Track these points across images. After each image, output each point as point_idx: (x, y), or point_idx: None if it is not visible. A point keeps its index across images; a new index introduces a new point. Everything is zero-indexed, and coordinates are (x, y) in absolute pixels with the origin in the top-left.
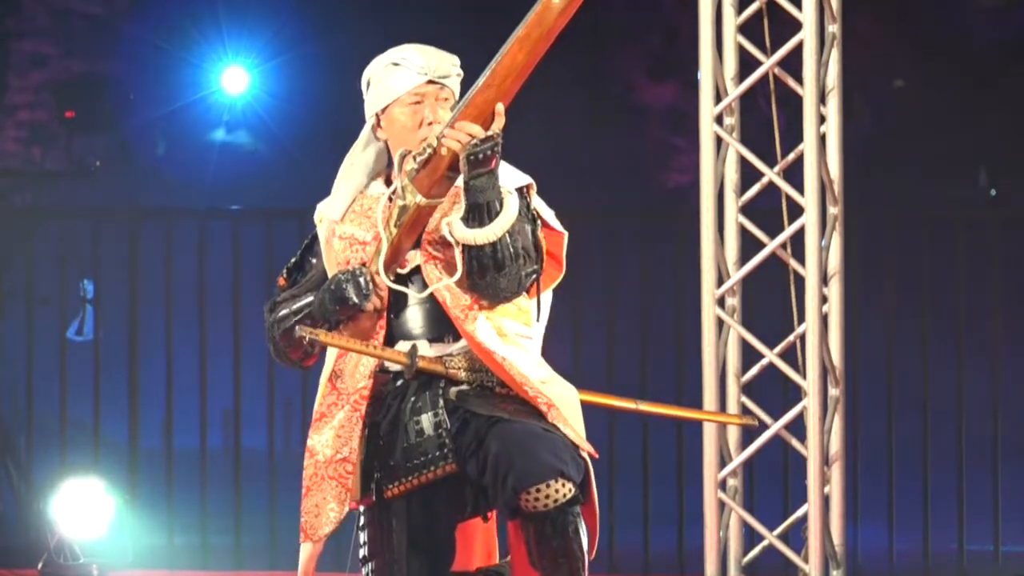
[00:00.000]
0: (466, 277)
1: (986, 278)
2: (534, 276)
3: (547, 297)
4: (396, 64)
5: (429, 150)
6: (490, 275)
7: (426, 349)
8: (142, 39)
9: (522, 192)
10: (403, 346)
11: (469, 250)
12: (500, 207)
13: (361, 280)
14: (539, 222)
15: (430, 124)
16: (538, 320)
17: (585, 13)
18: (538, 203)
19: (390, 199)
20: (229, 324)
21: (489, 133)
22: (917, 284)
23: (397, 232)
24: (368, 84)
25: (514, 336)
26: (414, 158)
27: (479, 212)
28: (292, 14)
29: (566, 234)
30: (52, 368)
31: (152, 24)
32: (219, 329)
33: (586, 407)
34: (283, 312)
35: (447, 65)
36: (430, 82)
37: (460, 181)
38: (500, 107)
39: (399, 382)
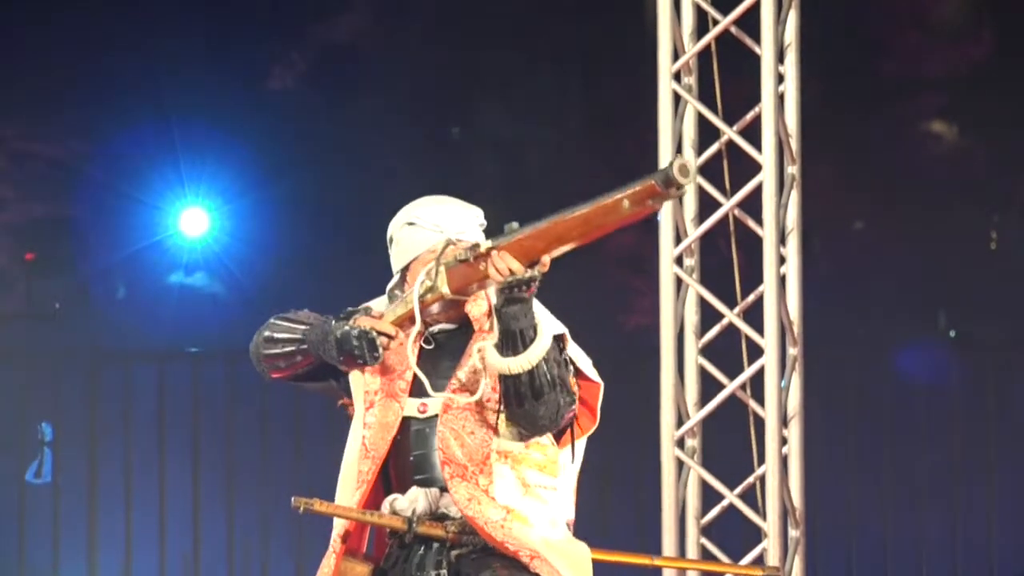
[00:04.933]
0: (503, 406)
1: (945, 418)
2: (571, 409)
3: (581, 444)
4: (411, 223)
5: (471, 256)
6: (528, 404)
7: (434, 500)
8: (102, 182)
9: (557, 341)
10: (414, 493)
11: (505, 379)
12: (534, 335)
13: (377, 341)
14: (571, 368)
15: None
16: (572, 462)
17: (540, 153)
18: (574, 351)
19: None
20: (188, 467)
21: (530, 274)
22: (877, 425)
23: (412, 306)
24: (391, 241)
25: (537, 488)
26: (456, 256)
27: (512, 340)
28: (253, 156)
29: (602, 384)
30: (11, 512)
31: (112, 167)
32: (178, 472)
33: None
34: (279, 321)
35: (464, 221)
36: (448, 241)
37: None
38: (546, 259)
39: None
